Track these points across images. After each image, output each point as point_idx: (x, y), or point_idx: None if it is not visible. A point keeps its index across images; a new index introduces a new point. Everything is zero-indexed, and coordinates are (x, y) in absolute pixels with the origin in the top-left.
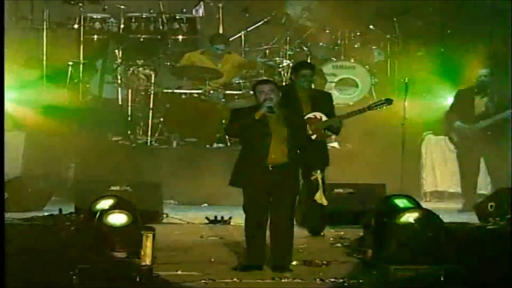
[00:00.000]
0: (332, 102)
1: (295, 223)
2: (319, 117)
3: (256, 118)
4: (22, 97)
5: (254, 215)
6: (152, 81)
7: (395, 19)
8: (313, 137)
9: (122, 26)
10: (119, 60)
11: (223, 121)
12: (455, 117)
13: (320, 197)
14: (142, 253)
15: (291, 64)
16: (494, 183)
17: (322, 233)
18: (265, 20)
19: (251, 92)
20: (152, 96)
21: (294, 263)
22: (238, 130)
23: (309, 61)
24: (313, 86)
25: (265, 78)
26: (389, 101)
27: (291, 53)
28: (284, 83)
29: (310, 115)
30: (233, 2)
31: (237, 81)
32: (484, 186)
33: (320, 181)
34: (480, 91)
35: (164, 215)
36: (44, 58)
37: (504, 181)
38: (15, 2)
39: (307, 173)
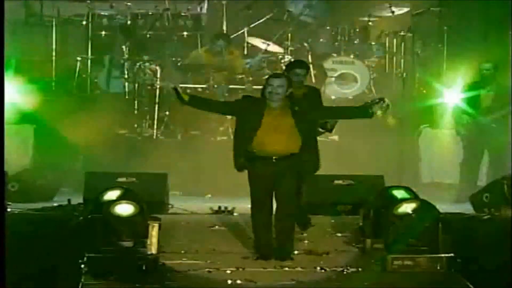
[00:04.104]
0: (320, 98)
1: None
2: None
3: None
4: (32, 91)
5: (259, 207)
6: (158, 76)
7: (394, 15)
8: None
9: (129, 22)
10: (126, 56)
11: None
12: (463, 111)
13: None
14: (148, 242)
15: (292, 60)
16: (496, 175)
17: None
18: (268, 17)
19: (254, 87)
20: (158, 90)
21: (295, 252)
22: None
23: (309, 56)
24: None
25: (278, 72)
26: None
27: (292, 48)
28: None
29: None
30: None
31: (240, 76)
32: (482, 177)
33: None
34: (485, 85)
35: (170, 206)
36: (54, 54)
37: (506, 173)
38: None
39: None
